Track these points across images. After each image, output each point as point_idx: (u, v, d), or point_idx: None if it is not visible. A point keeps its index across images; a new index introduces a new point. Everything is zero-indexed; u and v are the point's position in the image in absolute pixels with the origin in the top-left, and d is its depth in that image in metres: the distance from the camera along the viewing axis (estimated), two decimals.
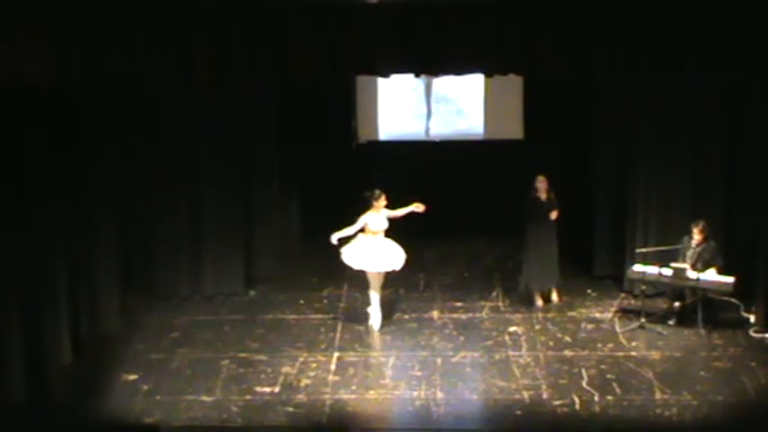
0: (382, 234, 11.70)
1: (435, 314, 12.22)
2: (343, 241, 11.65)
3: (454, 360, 11.02)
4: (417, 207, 11.72)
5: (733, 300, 11.70)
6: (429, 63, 9.90)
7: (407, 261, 11.76)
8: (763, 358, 10.85)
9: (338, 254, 11.70)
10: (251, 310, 12.40)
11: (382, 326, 11.78)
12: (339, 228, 11.54)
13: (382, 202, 11.63)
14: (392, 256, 11.72)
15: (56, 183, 10.36)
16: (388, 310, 12.11)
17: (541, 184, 12.07)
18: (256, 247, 13.11)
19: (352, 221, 11.58)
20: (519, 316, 12.08)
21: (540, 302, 12.34)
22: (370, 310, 11.84)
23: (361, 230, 11.67)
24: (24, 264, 9.89)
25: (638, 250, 11.99)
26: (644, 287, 11.76)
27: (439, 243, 11.47)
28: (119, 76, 9.48)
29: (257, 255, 13.15)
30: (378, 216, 11.63)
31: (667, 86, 11.84)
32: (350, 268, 11.82)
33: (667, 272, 11.62)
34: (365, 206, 11.64)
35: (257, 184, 13.06)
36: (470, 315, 12.16)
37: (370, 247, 11.66)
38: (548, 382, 10.45)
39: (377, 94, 15.07)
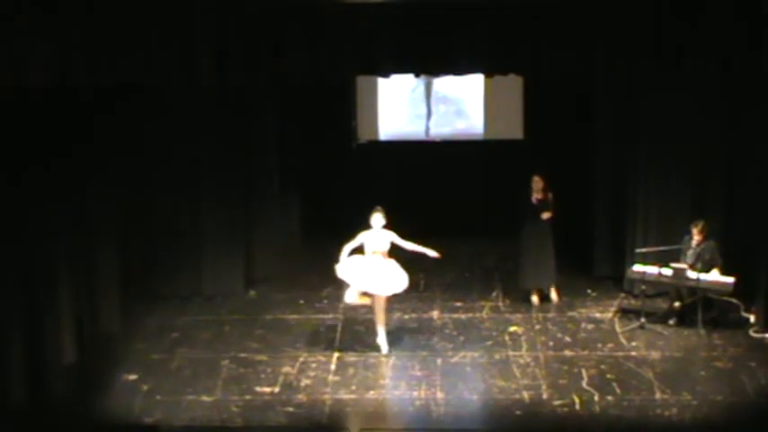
0: (381, 255, 11.07)
1: (435, 314, 12.21)
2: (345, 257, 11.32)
3: (454, 360, 11.01)
4: (431, 252, 11.12)
5: (733, 300, 11.70)
6: (429, 63, 9.92)
7: (407, 260, 11.72)
8: (763, 358, 10.84)
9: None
10: (251, 310, 12.40)
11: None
12: (339, 230, 11.50)
13: (377, 221, 11.00)
14: (385, 281, 11.07)
15: (56, 183, 10.35)
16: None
17: (536, 185, 12.08)
18: (256, 247, 13.11)
19: (350, 222, 11.53)
20: (519, 316, 12.08)
21: (536, 301, 12.35)
22: (378, 340, 11.28)
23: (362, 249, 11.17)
24: (25, 264, 9.89)
25: (638, 250, 11.99)
26: (644, 287, 11.76)
27: (439, 243, 11.42)
28: (120, 77, 9.49)
29: (257, 255, 13.15)
30: (374, 235, 11.05)
31: (667, 86, 11.84)
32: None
33: (667, 272, 11.62)
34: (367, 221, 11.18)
35: (257, 184, 13.06)
36: (470, 315, 12.16)
37: (364, 267, 11.09)
38: (548, 382, 10.44)
39: (377, 94, 15.09)
